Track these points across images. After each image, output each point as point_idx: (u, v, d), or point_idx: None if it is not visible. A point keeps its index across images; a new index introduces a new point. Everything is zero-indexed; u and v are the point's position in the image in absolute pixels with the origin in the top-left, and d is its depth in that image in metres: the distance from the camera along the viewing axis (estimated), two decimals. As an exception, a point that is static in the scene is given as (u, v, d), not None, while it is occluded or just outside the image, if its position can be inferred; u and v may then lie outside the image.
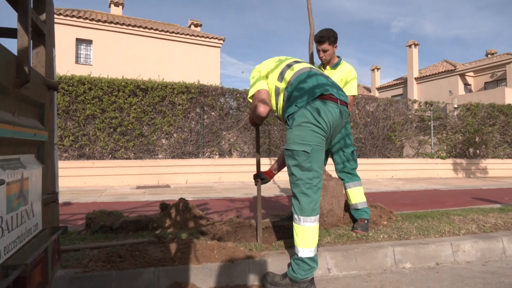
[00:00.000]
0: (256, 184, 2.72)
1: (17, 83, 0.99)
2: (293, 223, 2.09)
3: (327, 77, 2.25)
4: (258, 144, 2.75)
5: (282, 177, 8.94)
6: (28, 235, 1.10)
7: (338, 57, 3.18)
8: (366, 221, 2.95)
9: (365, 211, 3.00)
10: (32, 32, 1.21)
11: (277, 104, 2.30)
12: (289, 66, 2.29)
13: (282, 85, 2.23)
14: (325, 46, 3.02)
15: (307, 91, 2.09)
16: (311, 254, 2.02)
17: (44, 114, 1.30)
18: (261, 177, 2.68)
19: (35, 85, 1.19)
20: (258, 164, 2.74)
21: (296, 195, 2.06)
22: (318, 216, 2.07)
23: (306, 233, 2.02)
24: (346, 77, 3.11)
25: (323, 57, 3.07)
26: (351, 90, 3.11)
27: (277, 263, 2.21)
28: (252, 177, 2.73)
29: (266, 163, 8.87)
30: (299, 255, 2.02)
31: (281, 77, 2.26)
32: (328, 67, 3.20)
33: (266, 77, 2.35)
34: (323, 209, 3.02)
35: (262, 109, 2.21)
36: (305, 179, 2.03)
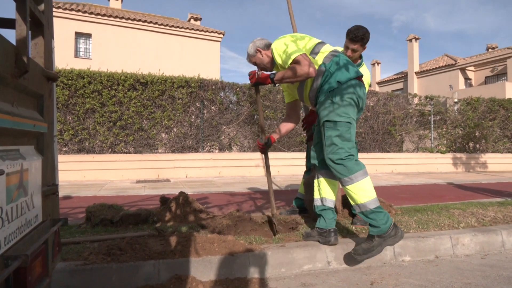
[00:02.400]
0: (262, 152, 2.89)
1: (16, 73, 0.98)
2: (346, 187, 2.24)
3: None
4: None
5: (282, 172, 8.95)
6: (28, 227, 1.10)
7: (361, 57, 3.07)
8: None
9: None
10: (30, 23, 1.20)
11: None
12: (321, 45, 2.43)
13: (317, 61, 2.36)
14: (357, 46, 2.85)
15: (347, 70, 2.28)
16: (378, 203, 2.19)
17: (44, 105, 1.29)
18: (267, 143, 2.84)
19: (34, 76, 1.18)
20: (262, 130, 2.88)
21: (338, 162, 2.23)
22: (365, 168, 2.25)
23: (364, 187, 2.19)
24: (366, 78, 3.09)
25: (351, 55, 2.90)
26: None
27: (277, 256, 2.22)
28: (258, 145, 2.89)
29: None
30: (369, 208, 2.16)
31: (314, 53, 2.38)
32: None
33: None
34: None
35: (312, 70, 2.26)
36: (346, 148, 2.24)
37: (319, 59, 2.36)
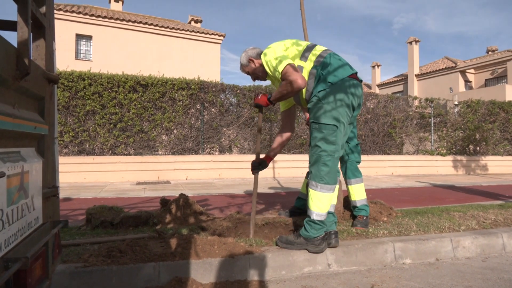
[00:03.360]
0: (254, 173, 2.80)
1: (17, 76, 0.98)
2: (309, 189, 2.30)
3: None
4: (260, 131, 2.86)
5: (283, 174, 8.95)
6: (29, 229, 1.10)
7: None
8: (365, 218, 2.95)
9: (364, 209, 2.99)
10: (32, 25, 1.20)
11: None
12: (311, 47, 2.42)
13: (307, 64, 2.36)
14: None
15: (339, 70, 2.27)
16: (322, 218, 2.27)
17: (44, 108, 1.29)
18: (261, 164, 2.80)
19: (35, 78, 1.18)
20: (257, 156, 2.81)
21: (316, 165, 2.27)
22: (335, 185, 2.28)
23: (320, 199, 2.25)
24: None
25: None
26: None
27: (277, 259, 2.22)
28: (251, 165, 2.80)
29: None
30: (312, 217, 2.26)
31: (305, 57, 2.37)
32: None
33: None
34: None
35: (301, 81, 2.23)
36: (329, 151, 2.25)
37: (310, 62, 2.36)
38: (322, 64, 2.31)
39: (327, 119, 2.23)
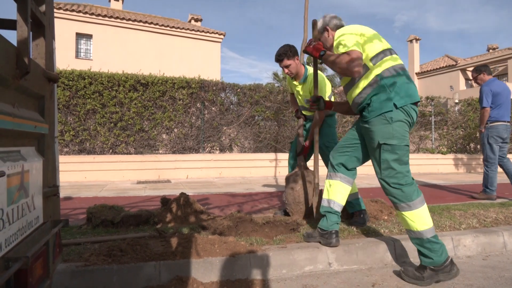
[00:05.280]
0: (312, 109, 2.69)
1: (17, 74, 0.98)
2: (402, 213, 2.13)
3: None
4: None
5: (283, 173, 8.94)
6: (29, 228, 1.10)
7: (304, 66, 3.23)
8: (361, 215, 2.96)
9: (357, 203, 3.02)
10: (31, 23, 1.20)
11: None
12: (390, 52, 2.22)
13: (375, 69, 2.16)
14: (285, 62, 3.10)
15: (409, 93, 2.13)
16: (434, 232, 2.08)
17: (45, 107, 1.29)
18: (320, 100, 2.63)
19: (35, 77, 1.18)
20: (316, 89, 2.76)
21: (395, 187, 2.13)
22: (422, 195, 2.16)
23: (421, 215, 2.09)
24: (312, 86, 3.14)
25: (289, 72, 3.16)
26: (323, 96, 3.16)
27: (278, 257, 2.22)
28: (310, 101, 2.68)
29: (267, 158, 8.86)
30: (426, 237, 2.06)
31: (376, 59, 2.17)
32: (298, 82, 3.26)
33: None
34: (300, 197, 3.17)
35: (358, 69, 2.10)
36: (404, 172, 2.13)
37: (378, 68, 2.16)
38: (390, 79, 2.13)
39: (398, 140, 2.11)
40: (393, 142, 2.11)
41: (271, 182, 7.44)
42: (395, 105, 2.09)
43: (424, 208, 2.12)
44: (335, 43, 2.27)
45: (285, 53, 3.08)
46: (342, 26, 2.41)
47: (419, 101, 2.18)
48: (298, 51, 3.18)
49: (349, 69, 2.12)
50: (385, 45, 2.24)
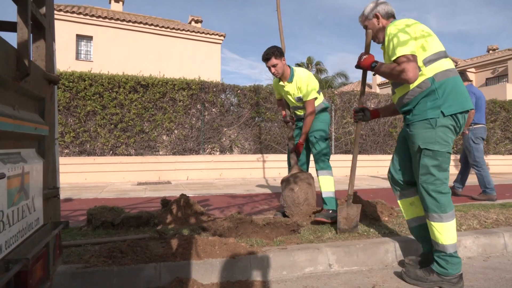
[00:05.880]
0: (355, 120, 2.64)
1: (17, 76, 0.98)
2: (432, 222, 2.08)
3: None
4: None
5: (284, 173, 8.93)
6: (29, 230, 1.10)
7: (289, 66, 3.29)
8: (330, 211, 3.05)
9: (326, 202, 3.13)
10: (32, 25, 1.20)
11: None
12: (443, 55, 2.09)
13: (427, 71, 2.04)
14: (272, 61, 3.17)
15: (460, 101, 2.02)
16: (456, 248, 2.06)
17: (45, 108, 1.29)
18: (364, 112, 2.59)
19: (35, 79, 1.18)
20: (361, 98, 2.68)
21: (432, 195, 2.07)
22: (454, 210, 2.09)
23: (450, 229, 2.05)
24: (301, 85, 3.22)
25: (275, 72, 3.22)
26: (308, 96, 3.22)
27: (278, 259, 2.21)
28: (353, 111, 2.63)
29: (268, 159, 8.86)
30: (449, 251, 2.03)
31: (430, 60, 2.05)
32: (285, 82, 3.30)
33: None
34: (299, 198, 3.18)
35: (412, 75, 1.97)
36: (443, 179, 2.07)
37: (430, 70, 2.04)
38: (441, 83, 2.02)
39: (440, 146, 2.03)
40: (435, 147, 2.03)
41: (272, 183, 7.43)
42: (442, 112, 2.00)
43: (453, 223, 2.07)
44: (386, 39, 2.13)
45: (272, 53, 3.15)
46: (393, 13, 2.28)
47: (469, 110, 2.04)
48: (284, 53, 3.27)
49: (404, 79, 2.02)
50: (441, 46, 2.11)
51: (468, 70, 23.44)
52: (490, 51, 25.79)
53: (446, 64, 2.06)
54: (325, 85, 26.12)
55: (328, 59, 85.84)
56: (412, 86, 2.08)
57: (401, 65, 1.99)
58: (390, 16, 2.27)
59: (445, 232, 2.04)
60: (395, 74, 2.04)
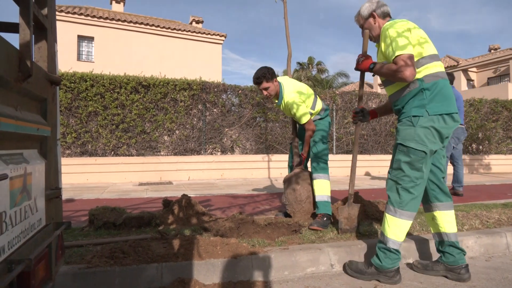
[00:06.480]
0: (354, 122, 2.66)
1: (19, 77, 0.99)
2: (386, 214, 2.14)
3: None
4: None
5: (285, 173, 8.93)
6: (32, 230, 1.10)
7: (279, 84, 3.18)
8: (325, 218, 2.97)
9: (319, 206, 3.05)
10: (34, 27, 1.21)
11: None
12: (433, 58, 2.12)
13: (418, 73, 2.08)
14: (264, 85, 3.09)
15: (444, 104, 2.05)
16: (399, 247, 2.11)
17: (47, 109, 1.29)
18: (363, 113, 2.59)
19: (37, 80, 1.18)
20: (360, 99, 2.65)
21: (397, 189, 2.11)
22: (415, 213, 2.11)
23: (400, 226, 2.09)
24: (291, 109, 3.13)
25: (267, 94, 3.14)
26: (301, 120, 3.13)
27: (280, 259, 2.21)
28: (352, 113, 2.64)
29: (269, 160, 8.86)
30: (388, 245, 2.09)
31: (422, 62, 2.09)
32: (276, 104, 3.27)
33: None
34: (302, 196, 3.17)
35: (409, 75, 2.00)
36: (413, 178, 2.08)
37: (420, 72, 2.09)
38: (430, 85, 2.06)
39: (415, 144, 2.05)
40: (410, 144, 2.06)
41: (273, 183, 7.43)
42: (427, 112, 2.04)
43: (407, 223, 2.09)
44: (384, 40, 2.15)
45: (263, 76, 3.05)
46: (388, 13, 2.30)
47: (455, 113, 2.07)
48: (275, 73, 3.15)
49: (402, 78, 2.04)
50: (434, 50, 2.15)
51: (469, 69, 23.41)
52: (492, 51, 25.75)
53: (436, 67, 2.11)
54: (326, 85, 26.10)
55: (329, 59, 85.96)
56: (402, 85, 2.14)
57: (399, 65, 2.03)
58: (386, 16, 2.30)
59: (393, 226, 2.09)
60: (392, 74, 2.08)
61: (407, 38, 2.06)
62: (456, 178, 5.36)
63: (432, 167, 2.21)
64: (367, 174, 9.70)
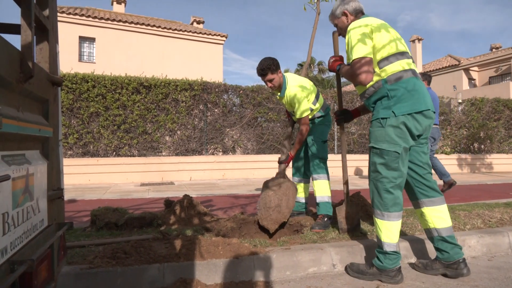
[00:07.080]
0: (338, 123, 2.81)
1: (21, 78, 0.99)
2: (375, 218, 2.16)
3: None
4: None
5: (286, 174, 8.93)
6: (34, 231, 1.10)
7: (283, 75, 3.14)
8: (326, 219, 2.94)
9: (321, 206, 3.02)
10: (35, 28, 1.21)
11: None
12: (402, 55, 2.11)
13: (381, 73, 2.10)
14: (269, 76, 3.01)
15: (411, 102, 2.04)
16: (395, 248, 2.11)
17: (49, 110, 1.29)
18: (345, 114, 2.74)
19: (39, 81, 1.19)
20: (340, 104, 2.85)
21: (379, 192, 2.12)
22: (401, 212, 2.13)
23: (390, 228, 2.11)
24: (292, 103, 3.09)
25: (272, 86, 3.08)
26: (298, 114, 3.07)
27: (282, 259, 2.21)
28: (334, 114, 2.79)
29: (270, 159, 8.86)
30: (384, 249, 2.11)
31: (384, 62, 2.09)
32: (279, 95, 3.20)
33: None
34: (271, 203, 2.90)
35: (364, 79, 2.07)
36: (390, 178, 2.09)
37: (384, 72, 2.09)
38: (395, 86, 2.06)
39: (387, 145, 2.06)
40: (383, 146, 2.08)
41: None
42: (393, 112, 2.04)
43: (397, 224, 2.10)
44: (346, 39, 2.18)
45: (269, 68, 2.96)
46: (361, 10, 2.30)
47: (426, 110, 2.05)
48: (279, 64, 3.07)
49: (357, 81, 2.11)
50: (400, 47, 2.12)
51: (471, 68, 23.35)
52: (494, 50, 25.67)
53: (402, 66, 2.09)
54: (327, 85, 26.07)
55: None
56: (368, 85, 2.16)
57: (354, 68, 2.08)
58: (358, 12, 2.30)
59: (384, 230, 2.11)
60: (350, 78, 2.17)
61: (366, 41, 2.07)
62: (439, 171, 5.41)
63: (411, 164, 2.21)
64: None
